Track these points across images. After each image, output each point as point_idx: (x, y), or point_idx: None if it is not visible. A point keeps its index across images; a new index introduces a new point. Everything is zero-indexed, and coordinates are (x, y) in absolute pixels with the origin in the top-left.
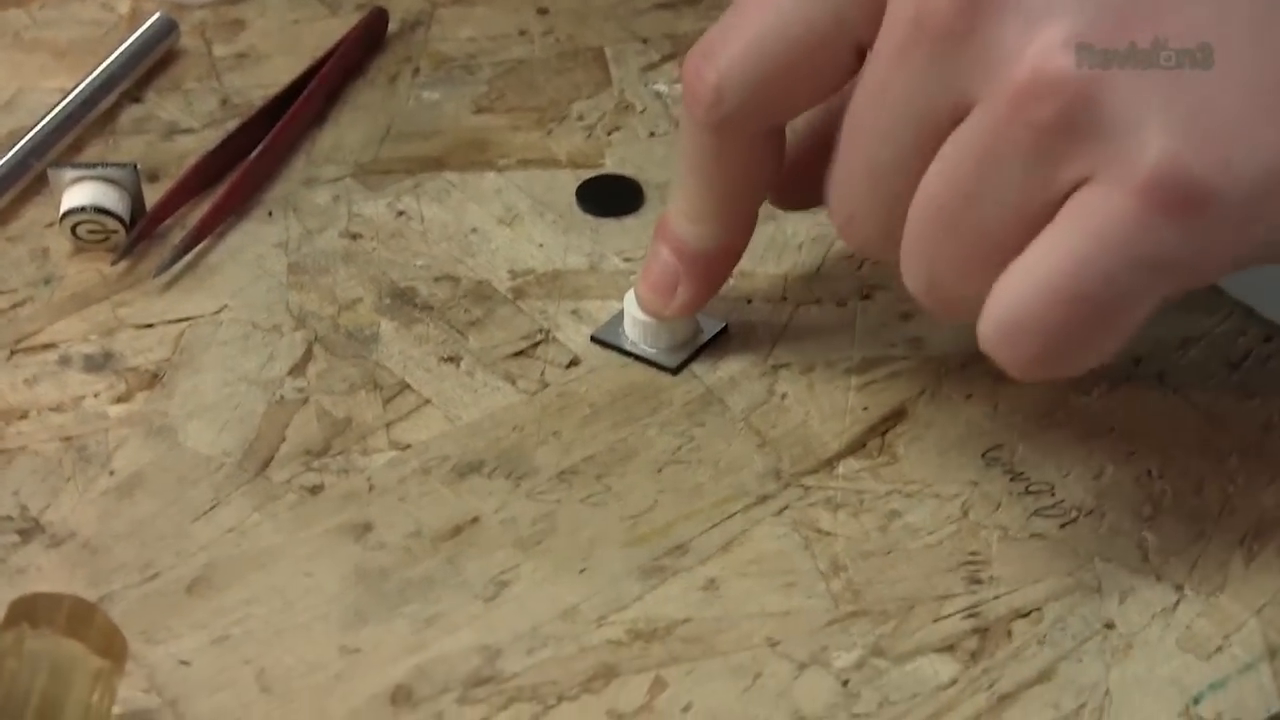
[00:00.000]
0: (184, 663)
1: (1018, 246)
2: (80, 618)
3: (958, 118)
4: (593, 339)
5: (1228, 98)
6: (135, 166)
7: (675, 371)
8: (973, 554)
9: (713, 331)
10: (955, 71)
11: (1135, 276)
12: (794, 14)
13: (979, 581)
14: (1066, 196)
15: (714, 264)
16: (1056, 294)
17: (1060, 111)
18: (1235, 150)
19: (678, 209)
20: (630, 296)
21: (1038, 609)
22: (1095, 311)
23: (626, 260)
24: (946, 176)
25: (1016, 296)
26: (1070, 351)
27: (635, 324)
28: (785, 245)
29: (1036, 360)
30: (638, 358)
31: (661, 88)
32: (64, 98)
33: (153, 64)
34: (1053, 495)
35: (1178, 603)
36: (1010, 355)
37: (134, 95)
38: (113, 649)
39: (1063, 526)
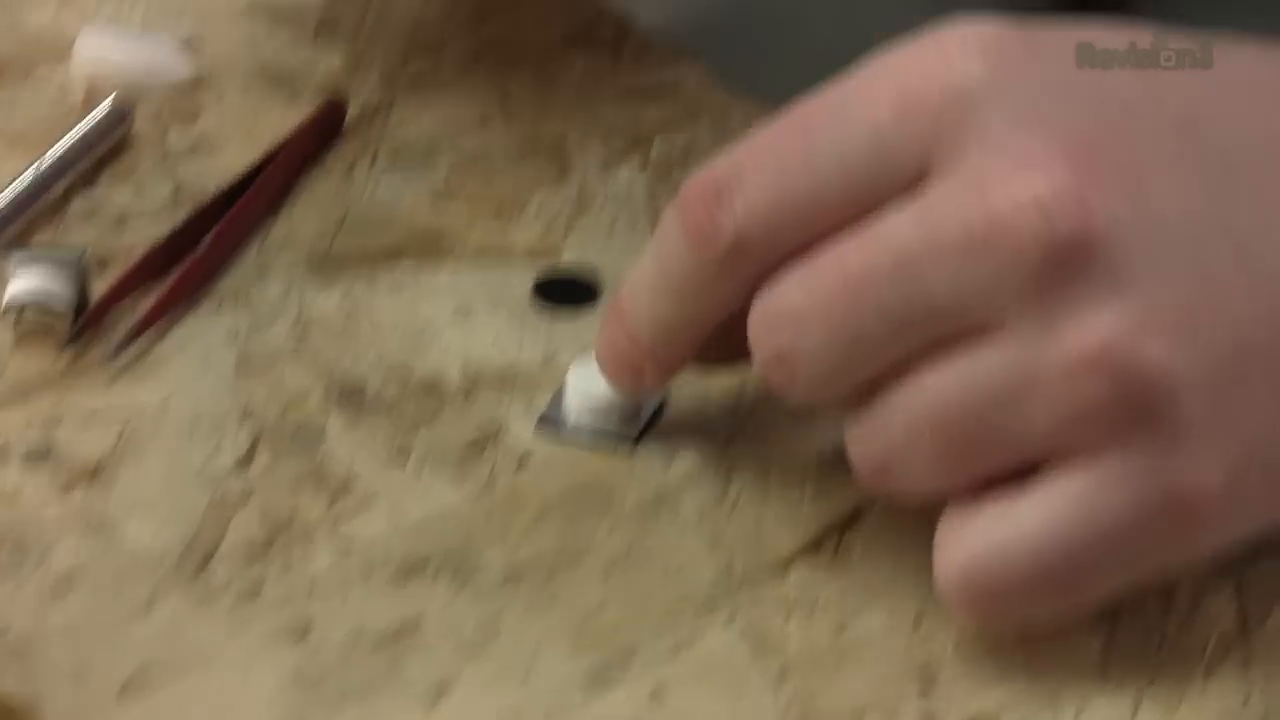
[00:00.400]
0: None
1: (1004, 468)
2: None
3: (986, 332)
4: (538, 426)
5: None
6: (82, 254)
7: (633, 446)
8: (926, 662)
9: (657, 401)
10: (1011, 296)
11: (1125, 566)
12: (834, 158)
13: (932, 690)
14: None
15: (677, 361)
16: (1036, 567)
17: (1119, 397)
18: (1255, 469)
19: (644, 317)
20: (572, 374)
21: (992, 719)
22: (1072, 589)
23: (582, 354)
24: (956, 390)
25: (990, 554)
26: (1030, 614)
27: (581, 404)
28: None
29: (992, 617)
30: (589, 438)
31: (623, 178)
32: (9, 185)
33: (105, 151)
34: None
35: (1134, 714)
36: (967, 607)
37: (86, 182)
38: None
39: (1020, 634)
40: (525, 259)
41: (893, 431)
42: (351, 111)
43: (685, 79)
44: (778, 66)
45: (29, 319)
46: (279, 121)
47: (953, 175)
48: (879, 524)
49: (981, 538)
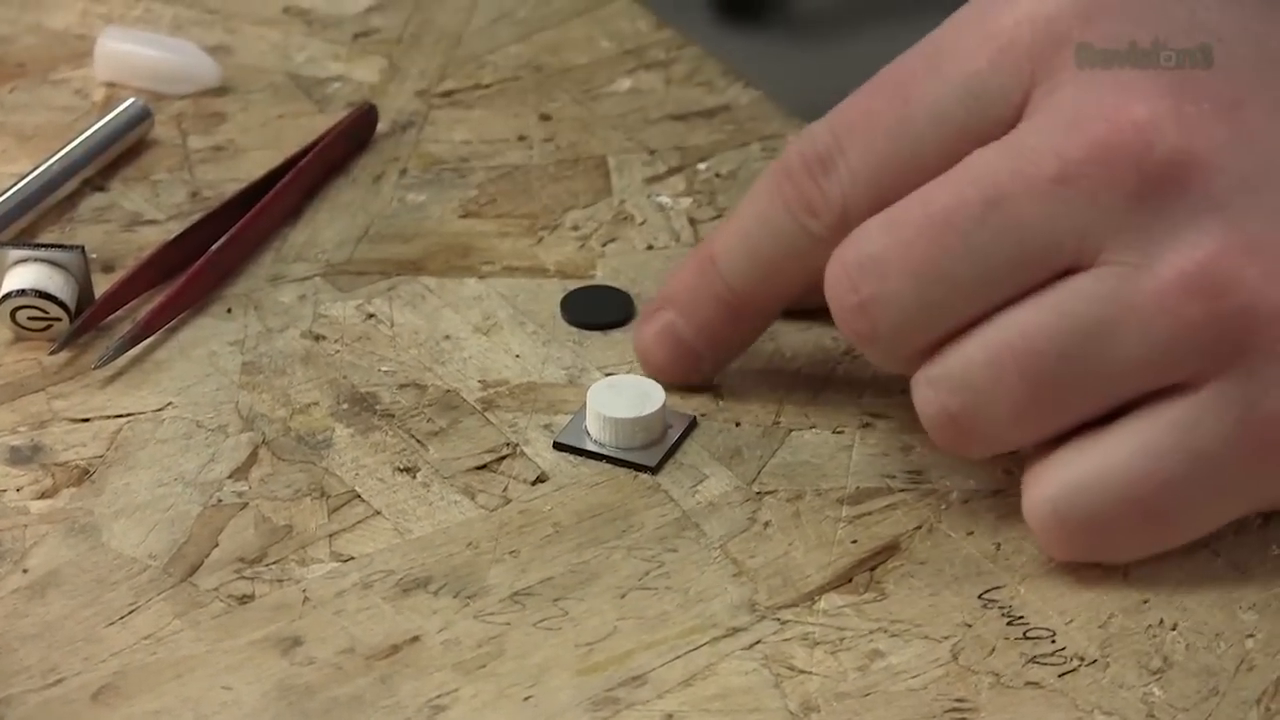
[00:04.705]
0: None
1: (1091, 414)
2: None
3: (1076, 266)
4: (556, 445)
5: None
6: (83, 249)
7: (655, 471)
8: (959, 700)
9: (683, 426)
10: (1107, 224)
11: (1222, 497)
12: (930, 114)
13: None
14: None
15: (767, 320)
16: (1131, 498)
17: (1217, 321)
18: None
19: (741, 276)
20: (594, 393)
21: None
22: (1167, 520)
23: (609, 375)
24: (1047, 324)
25: (1083, 485)
26: (1123, 547)
27: (604, 423)
28: (782, 368)
29: (1084, 550)
30: (609, 459)
31: (665, 200)
32: (19, 180)
33: (122, 152)
34: (1053, 642)
35: None
36: (1060, 541)
37: (98, 184)
38: None
39: (1061, 676)
40: (555, 277)
41: (973, 374)
42: (382, 125)
43: (738, 102)
44: None
45: (25, 316)
46: (305, 131)
47: (1046, 111)
48: (916, 558)
49: (1073, 469)
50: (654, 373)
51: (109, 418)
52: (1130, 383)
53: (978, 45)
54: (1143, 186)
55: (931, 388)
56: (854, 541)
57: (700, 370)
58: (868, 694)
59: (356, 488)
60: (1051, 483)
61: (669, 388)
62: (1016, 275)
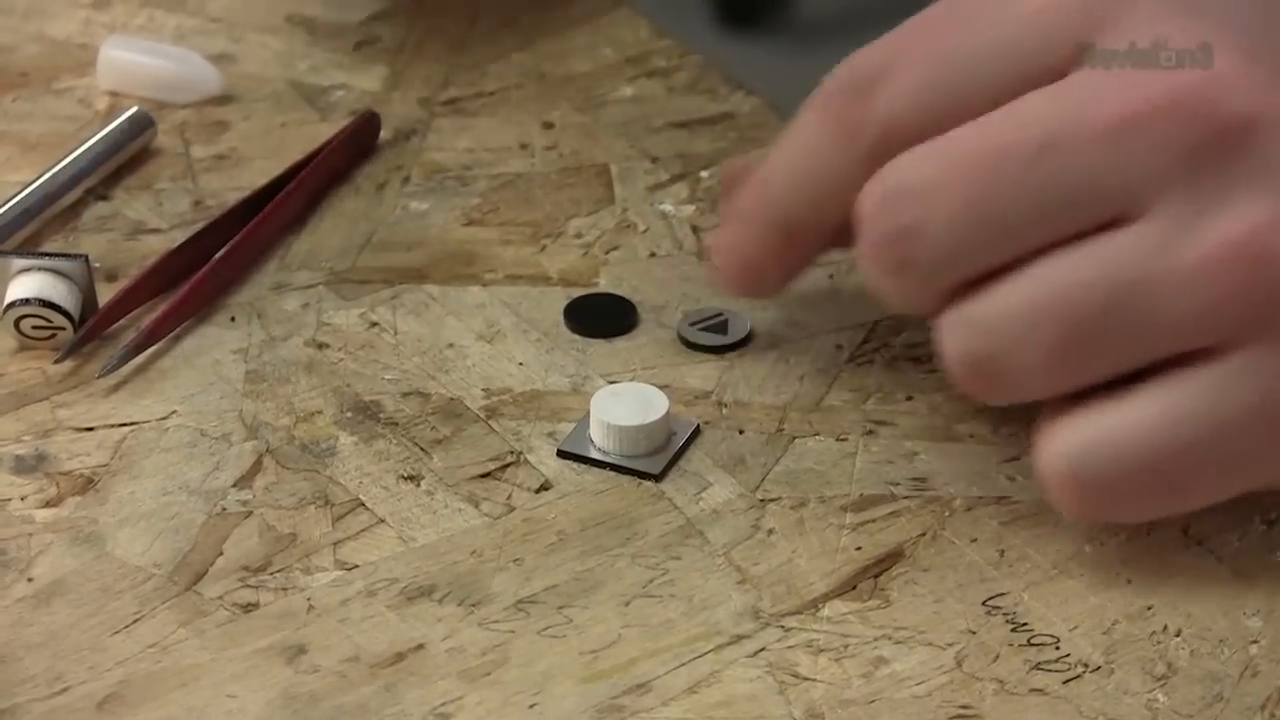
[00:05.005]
0: None
1: (1119, 370)
2: None
3: (1123, 218)
4: (559, 453)
5: None
6: (86, 258)
7: (659, 479)
8: (964, 707)
9: (687, 433)
10: (1162, 178)
11: (1241, 467)
12: (989, 44)
13: None
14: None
15: (815, 245)
16: (1149, 460)
17: (1258, 288)
18: None
19: (788, 200)
20: (598, 401)
21: None
22: (1183, 487)
23: (612, 383)
24: (1088, 275)
25: (1102, 443)
26: (1135, 511)
27: (608, 431)
28: (785, 375)
29: (1096, 511)
30: (613, 467)
31: (668, 208)
32: (23, 189)
33: (125, 161)
34: (1057, 649)
35: None
36: (1073, 498)
37: (101, 193)
38: None
39: (1066, 682)
40: (559, 284)
41: (1008, 320)
42: (385, 133)
43: (740, 110)
44: None
45: (29, 325)
46: (308, 138)
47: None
48: (920, 565)
49: (1092, 427)
50: (724, 288)
51: (113, 426)
52: (1163, 343)
53: None
54: (1203, 143)
55: (963, 329)
56: (858, 549)
57: (765, 284)
58: (872, 701)
59: (360, 496)
60: (1069, 439)
61: (671, 394)
62: (1063, 221)
